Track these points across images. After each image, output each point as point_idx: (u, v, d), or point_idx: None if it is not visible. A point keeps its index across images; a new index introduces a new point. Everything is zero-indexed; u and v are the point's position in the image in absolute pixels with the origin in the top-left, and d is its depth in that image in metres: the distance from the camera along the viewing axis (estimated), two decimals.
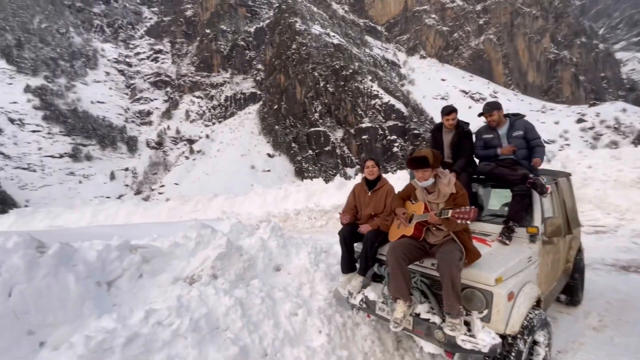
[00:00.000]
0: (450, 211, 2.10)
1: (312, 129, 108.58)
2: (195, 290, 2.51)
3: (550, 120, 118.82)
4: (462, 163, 3.25)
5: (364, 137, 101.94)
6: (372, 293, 2.54)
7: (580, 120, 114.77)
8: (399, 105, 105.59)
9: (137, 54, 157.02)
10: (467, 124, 3.53)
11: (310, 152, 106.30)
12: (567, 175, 4.22)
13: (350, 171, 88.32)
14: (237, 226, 4.86)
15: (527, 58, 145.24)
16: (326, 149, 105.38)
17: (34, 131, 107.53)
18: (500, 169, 3.06)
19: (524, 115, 3.46)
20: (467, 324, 2.11)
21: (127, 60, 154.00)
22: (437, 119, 3.57)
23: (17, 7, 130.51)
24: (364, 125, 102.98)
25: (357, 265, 2.81)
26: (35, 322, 2.01)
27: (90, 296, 2.27)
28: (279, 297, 2.88)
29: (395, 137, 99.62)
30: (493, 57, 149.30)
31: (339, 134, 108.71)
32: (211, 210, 13.06)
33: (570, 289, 3.71)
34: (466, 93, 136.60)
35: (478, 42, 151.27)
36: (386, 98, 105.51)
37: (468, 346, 1.98)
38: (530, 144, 3.22)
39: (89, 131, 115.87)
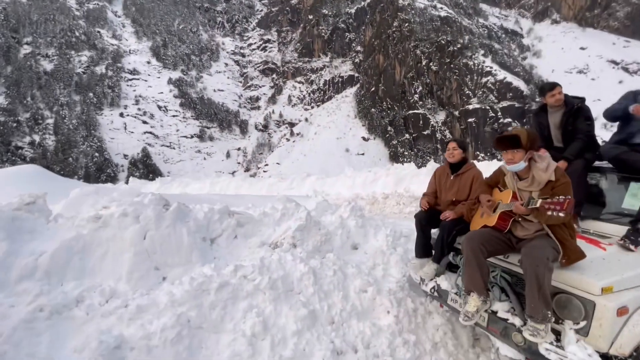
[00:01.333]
0: (540, 200, 1.80)
1: (411, 112, 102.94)
2: (276, 255, 2.83)
3: None
4: (577, 147, 2.67)
5: (470, 119, 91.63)
6: (445, 282, 2.41)
7: None
8: (518, 83, 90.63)
9: (250, 45, 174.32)
10: (582, 99, 2.86)
11: (407, 136, 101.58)
12: None
13: None
14: (322, 204, 5.14)
15: None
16: (425, 132, 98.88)
17: (173, 116, 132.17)
18: (633, 154, 2.41)
19: None
20: (557, 333, 1.83)
21: (242, 51, 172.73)
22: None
23: (163, 13, 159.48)
24: (471, 107, 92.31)
25: (433, 251, 2.68)
26: (160, 261, 2.60)
27: (197, 247, 2.80)
28: (351, 272, 2.99)
29: (510, 119, 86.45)
30: None
31: (441, 116, 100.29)
32: (304, 188, 14.01)
33: None
34: (617, 64, 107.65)
35: None
36: (501, 75, 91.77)
37: (553, 357, 1.72)
38: None
39: (212, 115, 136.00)
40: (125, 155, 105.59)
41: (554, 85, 2.85)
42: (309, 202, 5.55)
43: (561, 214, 1.70)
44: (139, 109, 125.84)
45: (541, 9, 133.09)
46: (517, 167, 2.01)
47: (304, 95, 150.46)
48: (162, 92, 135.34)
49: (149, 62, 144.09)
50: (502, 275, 2.06)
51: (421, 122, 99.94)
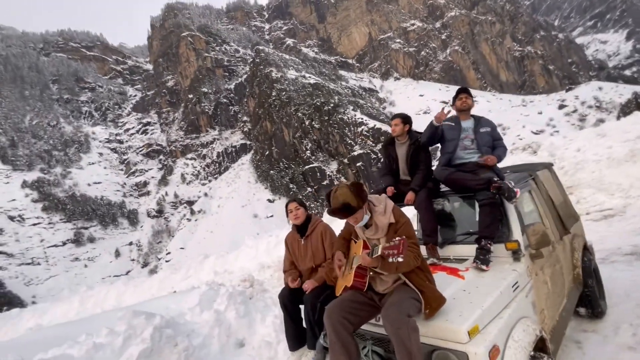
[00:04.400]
0: (381, 247, 1.60)
1: (307, 167, 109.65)
2: None
3: (534, 112, 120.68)
4: (420, 178, 2.78)
5: (358, 164, 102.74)
6: None
7: (562, 106, 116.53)
8: (385, 127, 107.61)
9: (127, 130, 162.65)
10: (422, 133, 3.13)
11: (309, 189, 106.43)
12: (548, 165, 3.72)
13: None
14: (208, 294, 4.27)
15: (495, 60, 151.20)
16: (324, 183, 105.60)
17: (34, 224, 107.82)
18: (459, 173, 2.59)
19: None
20: None
21: (118, 137, 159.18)
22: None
23: (8, 110, 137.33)
24: (355, 153, 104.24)
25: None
26: None
27: None
28: None
29: None
30: (463, 65, 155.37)
31: (334, 166, 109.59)
32: (204, 273, 12.26)
33: (588, 299, 3.06)
34: (446, 103, 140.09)
35: (446, 55, 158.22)
36: (371, 123, 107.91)
37: None
38: (495, 144, 2.83)
39: (89, 213, 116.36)
40: None
41: (393, 117, 3.03)
42: (192, 295, 4.60)
43: (399, 259, 1.51)
44: None
45: (384, 70, 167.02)
46: (363, 222, 1.84)
47: (198, 171, 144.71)
48: (14, 199, 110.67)
49: None
50: (373, 349, 1.72)
51: (318, 174, 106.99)
